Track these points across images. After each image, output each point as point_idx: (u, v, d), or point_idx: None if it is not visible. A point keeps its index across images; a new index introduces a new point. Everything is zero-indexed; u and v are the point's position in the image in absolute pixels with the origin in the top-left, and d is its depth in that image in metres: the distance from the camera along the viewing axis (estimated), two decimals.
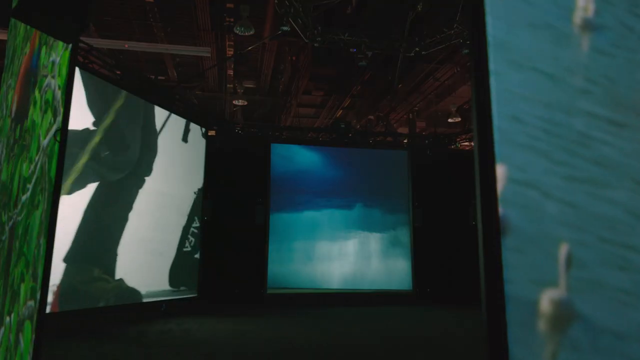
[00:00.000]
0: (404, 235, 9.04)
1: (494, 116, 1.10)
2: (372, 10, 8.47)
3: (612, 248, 1.07)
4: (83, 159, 5.82)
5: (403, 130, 13.81)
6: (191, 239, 7.61)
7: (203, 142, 8.10)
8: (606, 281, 1.05)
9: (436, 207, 9.12)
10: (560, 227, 1.06)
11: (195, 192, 7.75)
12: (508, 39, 1.14)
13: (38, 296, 2.16)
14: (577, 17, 1.20)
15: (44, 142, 2.61)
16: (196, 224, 7.72)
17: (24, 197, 2.83)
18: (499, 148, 1.08)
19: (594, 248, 1.06)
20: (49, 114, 2.65)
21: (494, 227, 1.06)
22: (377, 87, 11.72)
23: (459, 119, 12.46)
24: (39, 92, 2.95)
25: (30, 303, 2.27)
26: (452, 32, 8.39)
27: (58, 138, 2.15)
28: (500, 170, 1.07)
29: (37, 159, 2.72)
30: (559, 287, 1.03)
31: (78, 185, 5.74)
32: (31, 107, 3.04)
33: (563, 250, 1.05)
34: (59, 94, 2.49)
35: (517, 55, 1.13)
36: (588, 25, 1.20)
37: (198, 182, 7.86)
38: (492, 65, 1.12)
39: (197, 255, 7.69)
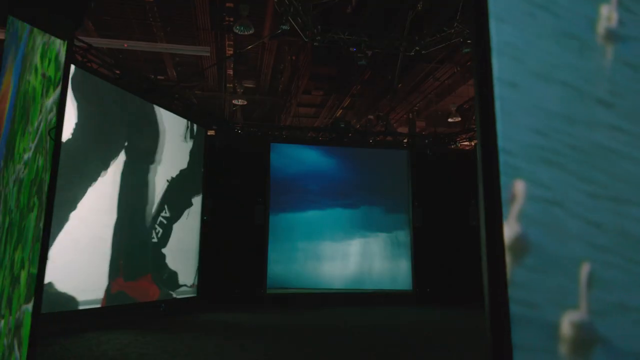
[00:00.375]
0: (404, 235, 9.01)
1: (513, 130, 1.06)
2: (372, 9, 8.45)
3: (638, 269, 1.02)
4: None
5: (403, 130, 13.79)
6: (158, 229, 7.03)
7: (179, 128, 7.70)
8: (632, 303, 1.00)
9: (436, 207, 9.10)
10: (584, 247, 1.02)
11: (168, 180, 7.29)
12: (529, 50, 1.09)
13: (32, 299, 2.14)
14: (601, 28, 1.16)
15: (48, 101, 2.54)
16: (166, 213, 7.19)
17: (26, 156, 2.78)
18: (520, 163, 1.04)
19: (620, 269, 1.01)
20: (52, 90, 2.60)
21: (498, 244, 1.02)
22: (377, 87, 11.70)
23: (459, 119, 12.44)
24: (40, 58, 2.88)
25: (26, 307, 2.25)
26: (453, 31, 8.37)
27: (53, 135, 2.12)
28: (520, 187, 1.03)
29: (39, 118, 2.65)
30: (580, 309, 0.99)
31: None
32: (32, 75, 2.98)
33: (584, 270, 1.01)
34: (62, 56, 2.41)
35: (538, 67, 1.09)
36: (612, 36, 1.16)
37: (172, 171, 7.41)
38: (512, 77, 1.08)
39: (164, 250, 7.08)
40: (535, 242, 1.01)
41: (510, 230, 1.02)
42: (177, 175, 7.54)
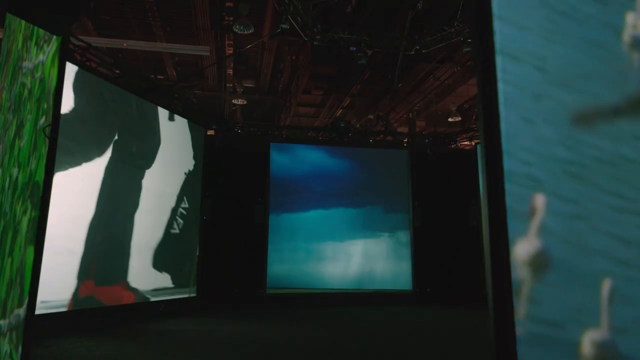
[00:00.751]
0: (404, 235, 8.99)
1: (534, 140, 1.02)
2: (372, 8, 8.43)
3: None
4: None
5: (403, 129, 13.77)
6: (180, 220, 7.23)
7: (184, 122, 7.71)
8: None
9: (436, 207, 9.08)
10: (608, 262, 0.98)
11: (185, 173, 7.50)
12: (553, 59, 1.06)
13: (26, 304, 2.11)
14: (627, 36, 1.12)
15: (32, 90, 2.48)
16: (185, 204, 7.39)
17: (20, 159, 2.71)
18: (541, 176, 1.00)
19: None
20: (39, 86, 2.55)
21: (503, 248, 0.99)
22: (377, 87, 11.68)
23: (459, 119, 12.41)
24: (30, 49, 2.82)
25: (18, 312, 2.23)
26: (453, 30, 8.34)
27: (47, 133, 2.09)
28: (540, 200, 1.00)
29: (28, 115, 2.58)
30: (602, 327, 0.96)
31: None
32: (24, 73, 2.94)
33: (606, 286, 0.98)
34: (57, 52, 2.35)
35: (562, 76, 1.06)
36: (638, 44, 1.13)
37: (187, 164, 7.63)
38: (535, 87, 1.04)
39: (187, 242, 7.33)
40: (556, 257, 0.98)
41: (530, 245, 0.99)
42: (192, 171, 7.68)
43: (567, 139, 1.04)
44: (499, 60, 1.07)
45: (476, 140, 9.57)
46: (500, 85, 1.07)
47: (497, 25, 1.09)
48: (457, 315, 7.32)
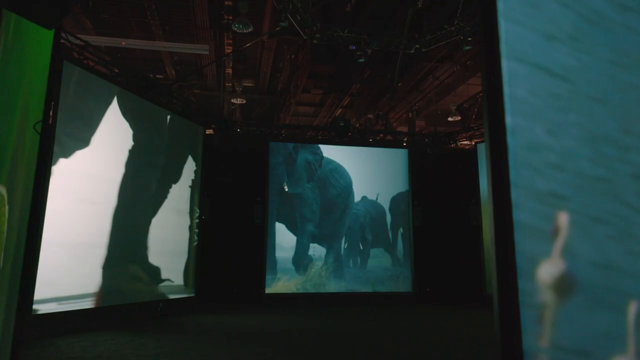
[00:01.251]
0: (404, 234, 8.95)
1: (559, 155, 0.96)
2: (372, 6, 8.39)
3: None
4: None
5: (402, 129, 13.72)
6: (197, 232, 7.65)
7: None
8: None
9: (436, 207, 9.04)
10: (635, 283, 0.92)
11: (190, 187, 7.58)
12: (580, 70, 1.00)
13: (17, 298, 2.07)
14: None
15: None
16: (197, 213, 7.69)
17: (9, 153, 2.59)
18: (566, 193, 0.94)
19: None
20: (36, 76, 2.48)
21: (510, 254, 0.94)
22: (376, 86, 11.63)
23: (459, 118, 12.38)
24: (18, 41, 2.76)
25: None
26: (453, 28, 8.29)
27: (39, 129, 2.04)
28: (564, 219, 0.93)
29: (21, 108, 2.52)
30: (628, 353, 0.90)
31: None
32: (15, 64, 2.87)
33: (632, 310, 0.91)
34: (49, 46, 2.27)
35: (589, 88, 1.00)
36: None
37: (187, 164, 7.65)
38: (562, 100, 0.98)
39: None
40: (582, 280, 0.91)
41: (553, 267, 0.92)
42: (200, 185, 7.82)
43: (595, 154, 0.97)
44: (521, 69, 1.01)
45: (476, 140, 9.53)
46: (526, 96, 1.00)
47: (516, 31, 1.03)
48: (457, 315, 7.29)
